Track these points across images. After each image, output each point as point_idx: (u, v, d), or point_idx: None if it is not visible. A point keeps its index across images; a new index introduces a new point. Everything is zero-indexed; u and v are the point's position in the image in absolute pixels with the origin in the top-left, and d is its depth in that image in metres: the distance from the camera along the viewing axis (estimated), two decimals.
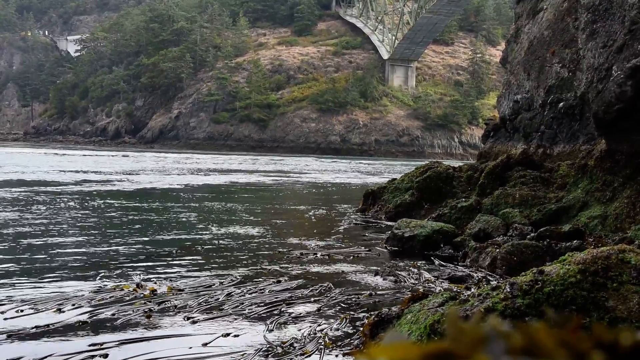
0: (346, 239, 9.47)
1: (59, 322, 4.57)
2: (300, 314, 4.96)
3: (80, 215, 11.26)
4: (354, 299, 5.44)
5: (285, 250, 8.03)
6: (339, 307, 5.18)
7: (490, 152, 14.88)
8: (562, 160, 10.56)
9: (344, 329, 4.57)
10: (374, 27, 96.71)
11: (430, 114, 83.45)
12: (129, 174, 24.87)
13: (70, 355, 3.85)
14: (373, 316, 4.13)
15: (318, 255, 7.70)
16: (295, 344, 4.19)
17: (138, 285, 5.61)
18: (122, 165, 32.22)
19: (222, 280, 6.02)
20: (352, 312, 5.00)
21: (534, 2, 13.70)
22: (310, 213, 13.02)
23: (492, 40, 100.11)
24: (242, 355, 3.99)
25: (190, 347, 4.09)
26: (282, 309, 5.04)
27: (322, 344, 4.18)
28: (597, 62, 8.46)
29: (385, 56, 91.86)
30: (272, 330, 4.51)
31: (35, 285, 5.73)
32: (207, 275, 6.28)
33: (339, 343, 4.23)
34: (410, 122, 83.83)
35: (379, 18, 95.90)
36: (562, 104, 11.23)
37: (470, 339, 0.63)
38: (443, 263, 7.55)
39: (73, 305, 4.98)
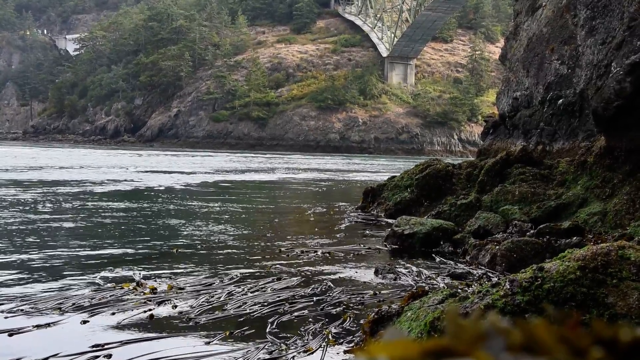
0: (346, 236, 9.48)
1: (59, 321, 4.58)
2: (303, 312, 4.96)
3: (80, 214, 11.26)
4: (357, 298, 5.44)
5: (285, 248, 8.04)
6: (342, 306, 5.18)
7: (489, 149, 14.88)
8: (562, 157, 10.57)
9: (347, 327, 4.57)
10: (372, 25, 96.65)
11: (430, 111, 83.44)
12: (136, 172, 24.87)
13: (74, 356, 3.85)
14: (373, 314, 4.14)
15: (319, 254, 7.71)
16: (297, 342, 4.20)
17: (138, 284, 5.61)
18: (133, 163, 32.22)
19: (223, 279, 6.02)
20: (355, 310, 5.00)
21: None
22: (310, 211, 13.03)
23: (491, 38, 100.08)
24: (246, 352, 3.99)
25: (193, 346, 4.10)
26: (285, 308, 5.04)
27: (325, 341, 4.19)
28: (596, 59, 8.46)
29: (385, 54, 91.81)
30: (275, 328, 4.52)
31: (35, 284, 5.73)
32: (208, 274, 6.28)
33: (342, 340, 4.24)
34: (410, 120, 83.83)
35: (378, 16, 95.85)
36: (561, 100, 11.23)
37: (469, 335, 0.63)
38: (443, 260, 7.56)
39: (73, 304, 4.99)
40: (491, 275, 6.55)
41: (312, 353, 4.00)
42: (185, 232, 9.37)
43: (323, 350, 4.04)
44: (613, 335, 0.64)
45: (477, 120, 79.37)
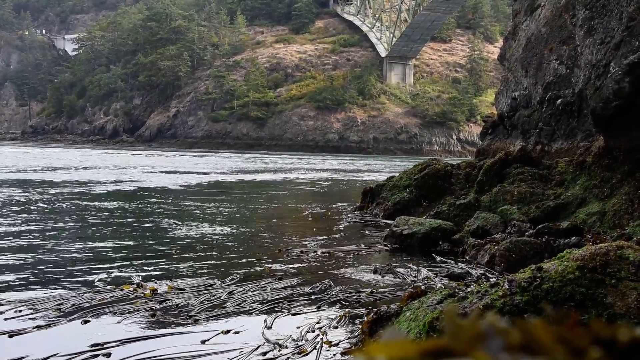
0: (345, 237, 9.48)
1: (59, 322, 4.57)
2: (300, 311, 4.96)
3: (80, 215, 11.25)
4: (354, 297, 5.45)
5: (285, 248, 8.04)
6: (339, 305, 5.19)
7: (488, 149, 14.89)
8: (560, 157, 10.57)
9: (343, 327, 4.57)
10: (371, 25, 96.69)
11: (429, 111, 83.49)
12: (136, 172, 24.86)
13: (73, 355, 3.86)
14: (372, 314, 4.14)
15: (318, 253, 7.71)
16: (292, 342, 4.19)
17: (138, 285, 5.60)
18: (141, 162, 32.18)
19: (223, 279, 6.02)
20: (352, 310, 5.00)
21: None
22: (309, 211, 13.03)
23: (489, 38, 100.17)
24: (240, 352, 4.00)
25: (191, 345, 4.10)
26: (283, 307, 5.05)
27: (320, 342, 4.19)
28: (595, 59, 8.46)
29: (383, 54, 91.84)
30: (271, 328, 4.51)
31: (35, 285, 5.73)
32: (208, 274, 6.28)
33: (338, 341, 4.23)
34: (409, 120, 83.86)
35: (377, 16, 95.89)
36: (560, 100, 11.24)
37: (468, 335, 0.63)
38: (442, 260, 7.56)
39: (73, 305, 4.98)
40: (490, 275, 6.55)
41: (307, 354, 3.99)
42: (183, 233, 9.37)
43: (318, 351, 4.04)
44: (611, 335, 0.64)
45: (476, 120, 79.45)
